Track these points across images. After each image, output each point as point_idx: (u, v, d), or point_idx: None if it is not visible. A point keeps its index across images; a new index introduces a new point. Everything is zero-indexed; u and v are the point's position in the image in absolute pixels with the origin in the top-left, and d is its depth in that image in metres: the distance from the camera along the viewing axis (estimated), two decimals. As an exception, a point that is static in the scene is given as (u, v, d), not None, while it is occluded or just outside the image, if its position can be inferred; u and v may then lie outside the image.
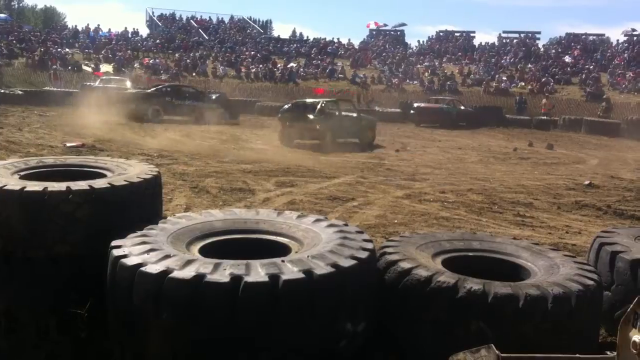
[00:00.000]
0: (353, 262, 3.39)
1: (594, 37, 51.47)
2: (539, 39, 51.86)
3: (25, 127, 17.76)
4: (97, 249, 3.78)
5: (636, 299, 2.29)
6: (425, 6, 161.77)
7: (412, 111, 29.45)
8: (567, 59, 44.72)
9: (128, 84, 25.39)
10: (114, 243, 3.60)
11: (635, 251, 4.29)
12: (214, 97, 24.38)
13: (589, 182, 12.72)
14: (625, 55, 44.38)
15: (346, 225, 4.13)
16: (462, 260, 4.07)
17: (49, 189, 3.99)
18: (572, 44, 49.20)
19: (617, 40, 50.15)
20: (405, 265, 3.65)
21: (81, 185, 4.13)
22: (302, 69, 42.40)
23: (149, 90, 24.21)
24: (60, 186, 4.05)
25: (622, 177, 14.17)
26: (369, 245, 3.68)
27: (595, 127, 28.05)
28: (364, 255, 3.51)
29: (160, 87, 24.57)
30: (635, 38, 47.79)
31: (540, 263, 3.96)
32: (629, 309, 2.32)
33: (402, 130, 25.62)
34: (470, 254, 4.19)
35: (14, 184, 4.12)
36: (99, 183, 4.24)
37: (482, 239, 4.43)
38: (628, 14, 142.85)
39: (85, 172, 4.95)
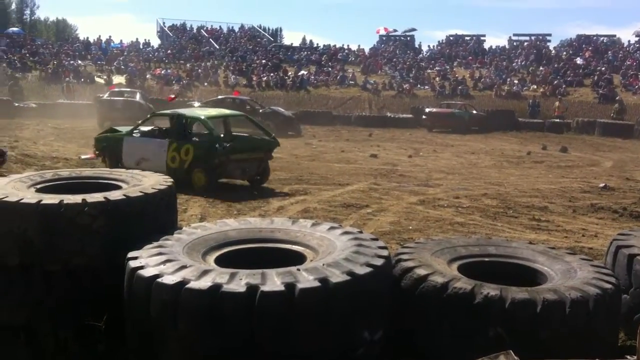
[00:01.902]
0: (368, 269, 3.39)
1: (605, 38, 51.11)
2: (549, 41, 51.61)
3: (40, 140, 17.91)
4: (114, 261, 3.80)
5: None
6: (434, 11, 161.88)
7: (424, 116, 29.35)
8: (579, 60, 44.43)
9: (138, 96, 25.48)
10: (130, 254, 3.62)
11: (652, 254, 4.26)
12: (260, 111, 23.89)
13: (604, 184, 12.64)
14: (637, 55, 44.09)
15: (361, 232, 4.14)
16: (478, 266, 4.06)
17: (65, 201, 4.02)
18: (583, 45, 48.90)
19: (629, 41, 49.80)
20: (421, 271, 3.65)
21: (97, 197, 4.16)
22: (313, 77, 42.43)
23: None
24: (76, 199, 4.09)
25: (637, 178, 14.06)
26: (384, 253, 3.68)
27: (608, 129, 27.85)
28: (379, 262, 3.51)
29: (210, 100, 25.48)
30: (646, 38, 47.54)
31: (557, 267, 3.94)
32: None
33: (415, 136, 25.58)
34: (487, 259, 4.17)
35: (30, 197, 4.16)
36: (114, 195, 4.27)
37: (497, 244, 4.41)
38: (638, 14, 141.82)
39: (100, 184, 4.99)
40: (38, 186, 4.80)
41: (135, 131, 12.02)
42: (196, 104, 25.81)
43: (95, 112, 24.38)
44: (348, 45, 53.19)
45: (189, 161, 10.93)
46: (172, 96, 26.47)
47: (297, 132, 24.21)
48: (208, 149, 10.88)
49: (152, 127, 12.34)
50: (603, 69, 41.23)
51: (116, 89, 27.85)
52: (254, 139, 12.03)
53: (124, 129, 12.44)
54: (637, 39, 48.33)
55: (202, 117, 11.47)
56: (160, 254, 3.59)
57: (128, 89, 28.87)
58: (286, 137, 21.07)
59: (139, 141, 11.80)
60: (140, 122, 12.64)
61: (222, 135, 11.47)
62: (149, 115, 13.15)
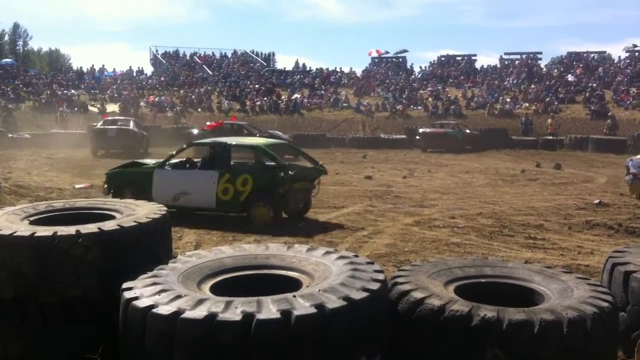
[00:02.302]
0: (365, 294, 3.38)
1: (596, 55, 51.61)
2: (540, 59, 52.07)
3: (34, 171, 17.89)
4: (109, 292, 3.79)
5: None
6: (425, 32, 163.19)
7: (417, 137, 29.47)
8: (570, 77, 44.77)
9: (132, 124, 25.52)
10: (125, 285, 3.60)
11: (649, 270, 4.25)
12: (257, 136, 23.77)
13: (598, 200, 12.67)
14: (628, 71, 44.45)
15: (356, 256, 4.13)
16: (475, 287, 4.05)
17: (59, 233, 4.01)
18: (574, 62, 49.31)
19: (619, 57, 50.33)
20: (417, 294, 3.63)
21: (90, 228, 4.15)
22: (306, 100, 42.62)
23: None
24: (70, 230, 4.08)
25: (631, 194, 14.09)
26: (380, 276, 3.67)
27: (601, 145, 27.99)
28: (375, 286, 3.50)
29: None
30: (637, 54, 47.86)
31: (553, 287, 3.93)
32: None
33: (409, 157, 25.64)
34: (483, 280, 4.16)
35: (24, 229, 4.15)
36: (108, 225, 4.26)
37: (493, 265, 4.40)
38: (628, 30, 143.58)
39: (94, 214, 4.98)
40: (31, 218, 4.79)
41: (166, 164, 10.94)
42: (195, 131, 25.93)
43: (89, 141, 24.40)
44: (340, 68, 53.62)
45: (247, 193, 10.02)
46: (212, 123, 26.60)
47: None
48: (272, 178, 10.03)
49: (180, 159, 11.32)
50: (594, 85, 41.56)
51: (110, 118, 27.92)
52: (307, 168, 11.14)
53: (149, 162, 11.61)
54: (627, 54, 48.77)
55: (261, 145, 10.81)
56: (155, 283, 3.57)
57: (122, 117, 28.95)
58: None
59: (177, 174, 10.77)
60: (173, 152, 11.29)
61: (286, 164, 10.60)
62: (184, 146, 11.94)
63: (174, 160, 11.11)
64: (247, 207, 10.09)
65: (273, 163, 10.38)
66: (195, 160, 11.32)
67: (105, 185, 11.00)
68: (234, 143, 11.02)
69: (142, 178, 10.74)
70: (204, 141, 12.05)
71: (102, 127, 24.76)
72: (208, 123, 27.47)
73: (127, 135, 24.09)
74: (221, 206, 10.18)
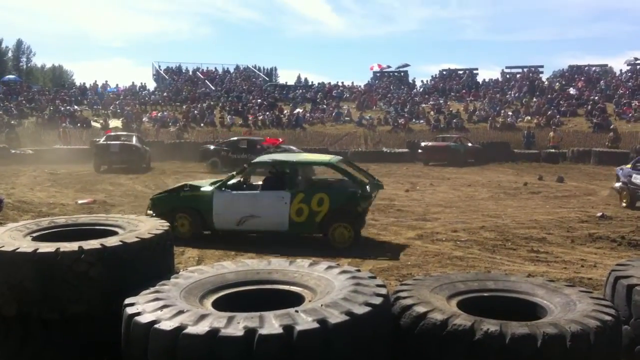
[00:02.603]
0: (367, 308, 3.38)
1: (597, 68, 51.72)
2: (542, 72, 52.08)
3: (37, 187, 17.91)
4: (112, 308, 3.79)
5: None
6: (427, 46, 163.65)
7: (419, 150, 29.46)
8: (572, 90, 44.80)
9: (134, 139, 25.56)
10: (127, 301, 3.60)
11: (651, 283, 4.24)
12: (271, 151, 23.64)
13: (601, 213, 12.65)
14: (630, 84, 44.50)
15: (359, 270, 4.13)
16: (477, 301, 4.04)
17: (62, 249, 4.02)
18: (576, 75, 49.38)
19: (621, 70, 50.38)
20: (420, 309, 3.63)
21: (93, 244, 4.16)
22: (308, 114, 42.66)
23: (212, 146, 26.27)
24: (72, 246, 4.09)
25: (634, 207, 14.07)
26: (383, 291, 3.67)
27: (604, 157, 27.91)
28: (377, 301, 3.50)
29: (226, 141, 26.56)
30: (638, 67, 47.94)
31: (556, 300, 3.92)
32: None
33: (411, 170, 25.63)
34: (486, 294, 4.15)
35: (26, 246, 4.16)
36: (111, 241, 4.27)
37: (496, 279, 4.40)
38: (629, 43, 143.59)
39: (97, 230, 4.99)
40: (34, 234, 4.81)
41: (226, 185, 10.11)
42: (211, 147, 26.06)
43: (92, 156, 24.45)
44: (342, 82, 53.73)
45: (323, 213, 9.50)
46: (270, 139, 26.89)
47: None
48: (351, 196, 9.61)
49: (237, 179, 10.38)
50: (596, 98, 41.59)
51: (112, 133, 27.92)
52: (372, 183, 10.25)
53: (200, 183, 10.71)
54: (628, 67, 48.83)
55: (333, 162, 10.36)
56: (157, 299, 3.58)
57: (124, 133, 28.96)
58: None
59: (241, 196, 9.96)
60: (234, 173, 10.44)
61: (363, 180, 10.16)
62: (245, 165, 10.90)
63: (230, 182, 10.28)
64: (323, 229, 9.58)
65: (345, 179, 10.07)
66: (253, 182, 10.65)
67: (149, 211, 10.08)
68: (302, 161, 10.75)
69: (200, 202, 9.96)
70: (266, 160, 10.95)
71: (105, 142, 24.78)
72: (266, 138, 27.79)
73: (129, 150, 24.10)
74: (294, 228, 9.60)
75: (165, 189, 11.18)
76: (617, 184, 15.04)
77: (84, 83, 53.48)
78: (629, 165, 15.65)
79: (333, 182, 10.41)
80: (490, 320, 3.44)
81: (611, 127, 34.19)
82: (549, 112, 39.13)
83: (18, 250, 4.03)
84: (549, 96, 43.64)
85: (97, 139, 27.38)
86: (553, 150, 30.86)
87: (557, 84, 48.17)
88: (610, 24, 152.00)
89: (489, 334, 3.31)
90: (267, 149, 24.05)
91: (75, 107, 43.86)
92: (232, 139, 27.21)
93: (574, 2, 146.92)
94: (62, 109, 41.79)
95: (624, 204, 14.22)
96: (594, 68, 51.47)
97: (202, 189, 10.20)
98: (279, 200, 9.61)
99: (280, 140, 27.18)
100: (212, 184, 10.31)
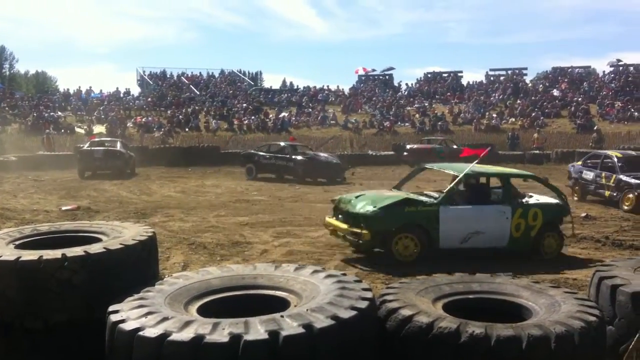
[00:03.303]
0: (353, 312, 3.37)
1: (580, 70, 52.14)
2: (526, 74, 52.47)
3: (20, 193, 17.74)
4: (95, 315, 3.76)
5: (637, 336, 2.28)
6: (411, 49, 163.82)
7: (405, 153, 29.57)
8: (555, 92, 45.19)
9: (119, 145, 25.41)
10: (111, 308, 3.57)
11: (635, 284, 4.26)
12: (299, 159, 23.01)
13: (585, 214, 12.75)
14: (613, 85, 44.92)
15: (344, 274, 4.13)
16: (463, 303, 4.05)
17: (45, 257, 3.99)
18: (559, 77, 49.77)
19: (604, 72, 50.85)
20: (405, 312, 3.63)
21: (76, 251, 4.13)
22: (294, 118, 42.68)
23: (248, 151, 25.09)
24: (56, 254, 4.05)
25: (618, 207, 14.17)
26: (369, 295, 3.67)
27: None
28: (363, 305, 3.49)
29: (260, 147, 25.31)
30: (621, 68, 48.45)
31: (541, 301, 3.94)
32: (631, 345, 2.31)
33: (397, 173, 25.59)
34: (471, 296, 4.17)
35: (9, 254, 4.11)
36: (95, 248, 4.24)
37: (481, 281, 4.40)
38: (612, 45, 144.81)
39: (80, 237, 4.95)
40: (17, 242, 4.76)
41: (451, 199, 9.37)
42: (253, 152, 25.24)
43: (76, 162, 24.28)
44: (328, 86, 53.74)
45: (537, 227, 9.27)
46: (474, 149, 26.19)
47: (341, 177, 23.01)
48: (560, 209, 9.67)
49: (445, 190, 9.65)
50: (579, 99, 41.97)
51: (97, 139, 27.71)
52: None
53: (403, 194, 9.68)
54: (611, 69, 49.26)
55: (536, 175, 10.62)
56: (141, 306, 3.55)
57: (109, 139, 28.77)
58: (267, 181, 21.20)
59: (468, 211, 9.24)
60: (454, 183, 9.59)
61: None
62: (461, 175, 9.63)
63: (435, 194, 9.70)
64: (535, 243, 9.33)
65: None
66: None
67: (365, 231, 8.77)
68: (512, 173, 10.82)
69: (426, 218, 8.97)
70: (482, 171, 10.36)
71: (89, 148, 24.60)
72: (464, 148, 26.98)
73: (114, 156, 23.94)
74: (512, 244, 9.20)
75: (380, 204, 9.12)
76: (570, 181, 16.77)
77: (68, 89, 53.03)
78: (579, 162, 17.08)
79: (521, 194, 10.13)
80: (476, 323, 3.45)
81: (594, 128, 34.51)
82: (533, 114, 39.44)
83: (0, 259, 3.99)
84: (532, 98, 43.97)
85: (81, 145, 27.14)
86: (537, 152, 31.10)
87: (541, 85, 48.55)
88: (594, 26, 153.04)
89: (474, 337, 3.32)
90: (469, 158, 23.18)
91: (59, 113, 43.53)
92: (274, 143, 26.17)
93: (558, 5, 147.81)
94: (46, 115, 41.46)
95: (575, 198, 15.58)
96: (577, 70, 51.87)
97: (426, 203, 9.21)
98: (500, 215, 9.19)
99: None
100: (437, 197, 9.44)
